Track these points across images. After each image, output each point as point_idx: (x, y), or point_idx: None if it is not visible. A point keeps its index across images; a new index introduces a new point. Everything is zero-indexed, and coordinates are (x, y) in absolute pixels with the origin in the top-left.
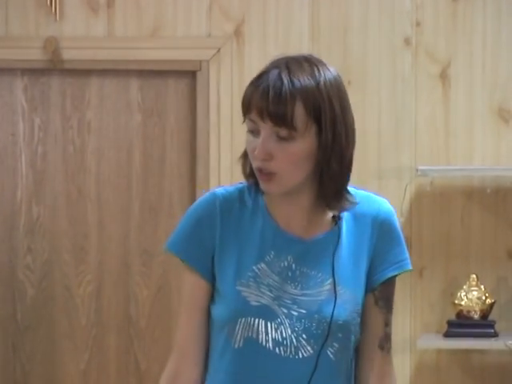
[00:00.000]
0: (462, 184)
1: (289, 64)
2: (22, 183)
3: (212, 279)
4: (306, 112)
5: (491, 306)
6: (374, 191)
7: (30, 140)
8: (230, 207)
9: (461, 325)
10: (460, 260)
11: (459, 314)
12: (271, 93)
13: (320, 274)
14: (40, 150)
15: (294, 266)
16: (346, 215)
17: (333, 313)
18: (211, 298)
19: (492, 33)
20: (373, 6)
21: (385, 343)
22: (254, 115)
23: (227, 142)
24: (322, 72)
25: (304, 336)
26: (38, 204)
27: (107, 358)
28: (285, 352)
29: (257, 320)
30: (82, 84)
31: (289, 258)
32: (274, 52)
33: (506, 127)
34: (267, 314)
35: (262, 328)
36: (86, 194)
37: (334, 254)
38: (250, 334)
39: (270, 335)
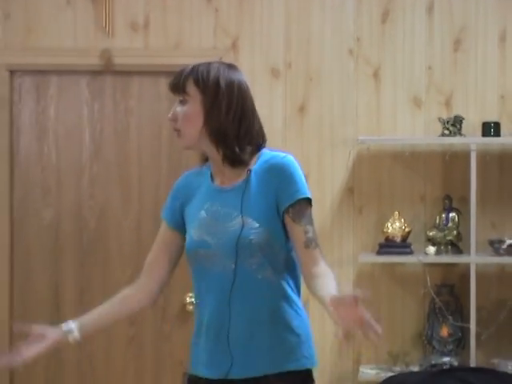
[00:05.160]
0: (389, 149)
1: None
2: (86, 149)
3: (177, 227)
4: (195, 84)
5: (408, 233)
6: (328, 156)
7: (91, 120)
8: (190, 181)
9: (388, 246)
10: (387, 201)
11: (387, 239)
12: (174, 75)
13: (235, 211)
14: (98, 127)
15: (219, 208)
16: (259, 167)
17: (239, 236)
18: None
19: (409, 47)
20: (327, 26)
21: (309, 243)
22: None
23: None
24: (217, 66)
25: (226, 256)
26: (96, 164)
27: None
28: (217, 268)
29: (199, 250)
30: (127, 82)
31: (217, 203)
32: (260, 59)
33: (418, 110)
34: (204, 244)
35: (203, 253)
36: (130, 158)
37: (243, 195)
38: (199, 260)
39: (208, 258)
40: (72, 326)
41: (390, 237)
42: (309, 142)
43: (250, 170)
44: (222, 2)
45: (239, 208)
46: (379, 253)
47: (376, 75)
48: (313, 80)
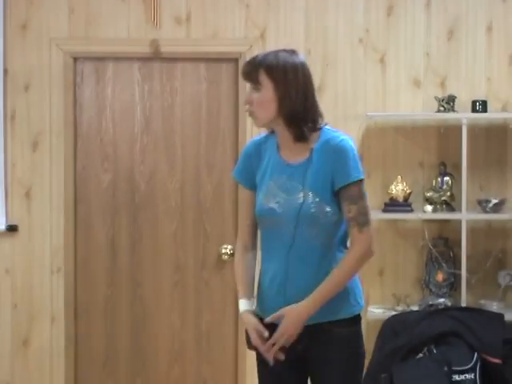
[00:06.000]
0: (393, 123)
1: (269, 52)
2: (137, 123)
3: (253, 187)
4: (266, 74)
5: (409, 194)
6: (342, 129)
7: (142, 98)
8: (259, 147)
9: (392, 205)
10: (392, 167)
11: (391, 199)
12: (245, 64)
13: (299, 185)
14: (147, 105)
15: (286, 181)
16: (320, 147)
17: (300, 207)
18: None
19: (410, 36)
20: (340, 19)
21: (349, 222)
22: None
23: None
24: (283, 55)
25: (288, 223)
26: (146, 135)
27: (187, 228)
28: (279, 232)
29: (267, 216)
30: (172, 67)
31: (284, 176)
32: (283, 47)
33: (417, 90)
34: (271, 211)
35: (270, 219)
36: (174, 130)
37: (306, 172)
38: (266, 223)
39: (273, 223)
40: (251, 303)
41: (394, 197)
42: (325, 117)
43: (313, 149)
44: None
45: (302, 183)
46: (385, 211)
47: (382, 60)
48: (328, 65)
